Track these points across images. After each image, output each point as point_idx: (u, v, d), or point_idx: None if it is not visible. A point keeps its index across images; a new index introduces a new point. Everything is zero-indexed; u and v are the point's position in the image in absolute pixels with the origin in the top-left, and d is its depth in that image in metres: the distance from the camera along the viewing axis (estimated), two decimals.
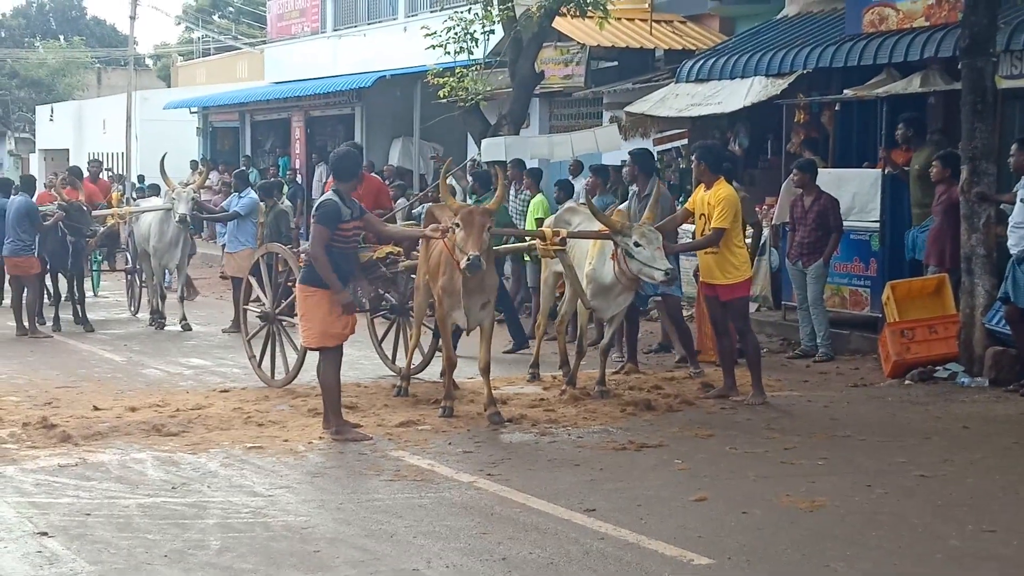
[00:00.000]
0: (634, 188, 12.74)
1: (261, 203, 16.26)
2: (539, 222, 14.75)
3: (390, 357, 12.34)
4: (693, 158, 11.14)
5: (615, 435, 9.30)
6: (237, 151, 33.33)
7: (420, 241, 10.61)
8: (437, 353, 11.10)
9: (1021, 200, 10.77)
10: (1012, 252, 10.83)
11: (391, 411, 10.18)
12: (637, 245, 10.08)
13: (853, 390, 11.31)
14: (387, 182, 18.19)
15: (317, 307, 9.18)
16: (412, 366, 11.29)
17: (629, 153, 13.30)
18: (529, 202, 15.92)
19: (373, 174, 14.65)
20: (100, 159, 29.48)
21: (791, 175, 13.33)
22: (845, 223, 13.04)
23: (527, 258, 14.76)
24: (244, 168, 23.67)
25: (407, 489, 7.74)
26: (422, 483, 7.89)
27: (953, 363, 11.56)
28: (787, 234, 14.21)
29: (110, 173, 34.96)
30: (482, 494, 7.64)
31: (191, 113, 35.37)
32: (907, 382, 11.45)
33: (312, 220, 9.46)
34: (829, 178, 13.49)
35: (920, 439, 9.19)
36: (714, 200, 10.49)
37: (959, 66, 12.08)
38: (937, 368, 11.58)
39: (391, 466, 8.35)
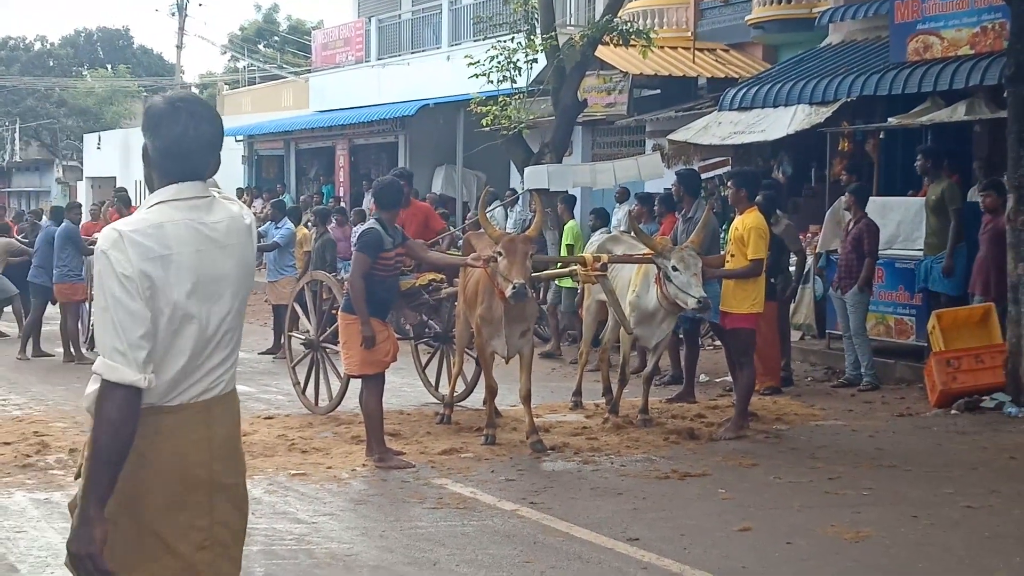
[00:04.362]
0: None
1: (310, 230, 16.37)
2: (570, 248, 14.87)
3: (434, 384, 12.37)
4: (730, 184, 10.97)
5: (658, 464, 9.28)
6: (282, 179, 33.60)
7: (460, 269, 10.65)
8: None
9: None
10: None
11: (434, 439, 10.21)
12: (675, 269, 9.98)
13: (898, 420, 11.22)
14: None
15: (359, 335, 9.22)
16: (455, 394, 11.33)
17: (676, 174, 13.32)
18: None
19: (420, 201, 14.75)
20: (125, 187, 29.65)
21: (837, 201, 13.29)
22: (890, 251, 12.98)
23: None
24: (280, 196, 23.84)
25: (450, 517, 7.75)
26: (465, 511, 7.90)
27: (1000, 393, 11.45)
28: (831, 262, 14.19)
29: None
30: (525, 523, 7.63)
31: (236, 141, 35.69)
32: (953, 412, 11.35)
33: (354, 248, 9.51)
34: (874, 206, 13.44)
35: (966, 470, 9.10)
36: (743, 228, 10.34)
37: (1004, 94, 12.02)
38: (983, 398, 11.47)
39: (434, 494, 8.36)
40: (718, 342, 13.30)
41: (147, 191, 3.74)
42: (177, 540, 3.55)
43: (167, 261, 3.46)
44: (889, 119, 15.32)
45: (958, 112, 14.34)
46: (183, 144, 3.58)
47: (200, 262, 3.53)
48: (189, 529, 3.57)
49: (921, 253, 13.26)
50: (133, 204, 24.49)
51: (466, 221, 20.09)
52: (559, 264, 11.93)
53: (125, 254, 3.42)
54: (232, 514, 3.68)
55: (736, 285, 10.38)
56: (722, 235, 12.70)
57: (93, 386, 3.48)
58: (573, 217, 16.29)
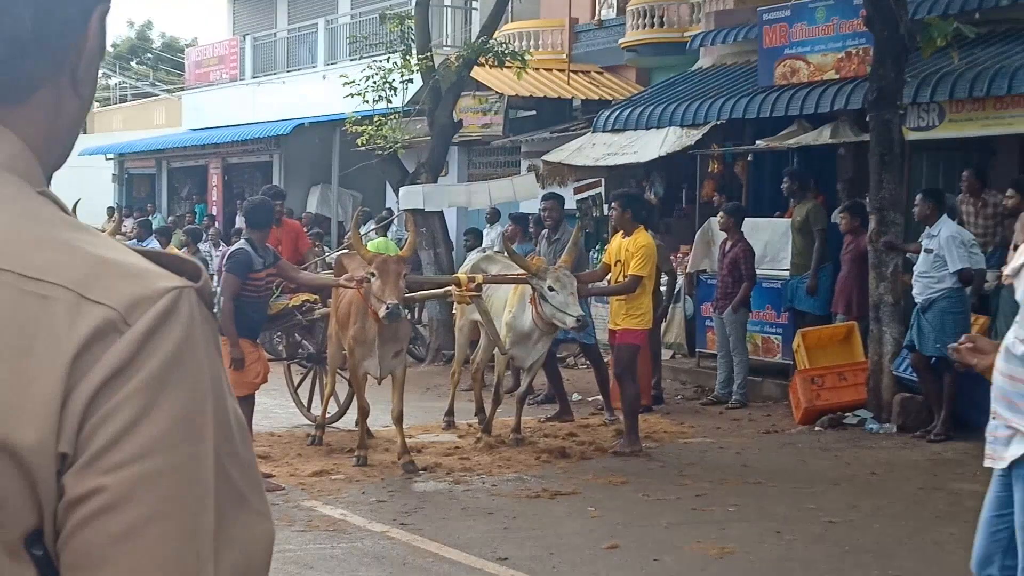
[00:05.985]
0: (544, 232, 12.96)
1: (181, 250, 16.16)
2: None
3: (306, 405, 12.25)
4: (615, 205, 11.02)
5: (529, 483, 9.33)
6: (154, 198, 33.09)
7: (332, 290, 10.61)
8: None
9: (926, 250, 10.96)
10: (917, 300, 11.03)
11: (304, 460, 10.13)
12: (551, 289, 10.06)
13: (765, 436, 11.43)
14: (305, 230, 18.21)
15: (228, 356, 9.11)
16: (327, 415, 11.25)
17: (543, 199, 13.48)
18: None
19: (292, 219, 14.67)
20: None
21: (707, 222, 13.50)
22: (758, 271, 13.21)
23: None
24: (148, 216, 23.53)
25: (319, 540, 7.70)
26: (335, 533, 7.85)
27: (862, 410, 11.74)
28: (701, 282, 14.42)
29: None
30: (395, 544, 7.61)
31: (107, 159, 35.02)
32: (817, 428, 11.60)
33: (223, 268, 9.42)
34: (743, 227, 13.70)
35: (829, 485, 9.31)
36: (633, 247, 10.48)
37: (867, 118, 12.35)
38: (846, 415, 11.75)
39: (303, 516, 8.29)
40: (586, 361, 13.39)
41: None
42: None
43: None
44: (757, 141, 15.62)
45: (823, 135, 14.68)
46: None
47: None
48: None
49: (787, 273, 13.55)
50: None
51: (345, 241, 20.05)
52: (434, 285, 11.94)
53: None
54: None
55: (627, 302, 10.49)
56: (595, 256, 12.84)
57: None
58: (385, 236, 16.95)
